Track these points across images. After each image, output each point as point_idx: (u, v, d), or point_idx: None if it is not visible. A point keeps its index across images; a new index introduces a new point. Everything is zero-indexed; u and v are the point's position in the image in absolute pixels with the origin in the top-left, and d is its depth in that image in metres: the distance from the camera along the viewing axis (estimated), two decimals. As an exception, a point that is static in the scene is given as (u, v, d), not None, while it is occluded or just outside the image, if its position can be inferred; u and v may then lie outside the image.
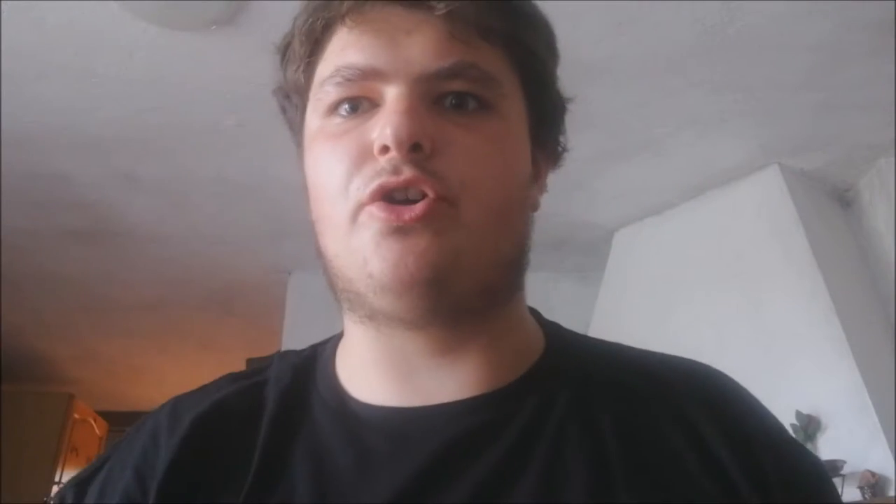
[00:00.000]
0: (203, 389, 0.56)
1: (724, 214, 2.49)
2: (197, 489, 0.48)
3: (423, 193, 0.46)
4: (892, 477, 1.90)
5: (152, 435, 0.52)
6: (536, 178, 0.55)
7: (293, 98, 0.55)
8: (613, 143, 2.28)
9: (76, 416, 3.99)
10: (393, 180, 0.46)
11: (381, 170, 0.46)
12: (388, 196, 0.46)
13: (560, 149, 0.58)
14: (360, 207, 0.47)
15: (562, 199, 2.46)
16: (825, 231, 2.39)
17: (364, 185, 0.47)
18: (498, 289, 0.51)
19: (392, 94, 0.48)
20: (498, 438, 0.48)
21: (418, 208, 0.45)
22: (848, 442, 1.95)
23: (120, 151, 2.36)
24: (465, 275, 0.47)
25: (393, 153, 0.46)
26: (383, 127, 0.46)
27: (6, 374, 3.97)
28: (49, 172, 2.46)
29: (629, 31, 1.84)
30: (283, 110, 0.57)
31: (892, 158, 2.33)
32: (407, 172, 0.46)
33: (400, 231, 0.45)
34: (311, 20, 0.51)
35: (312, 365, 0.56)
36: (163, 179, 2.52)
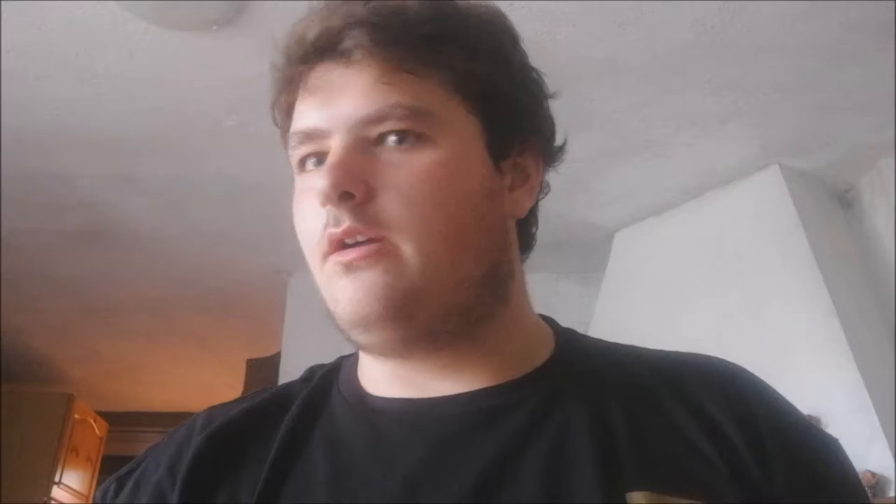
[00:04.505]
0: (237, 400, 0.62)
1: (725, 215, 2.48)
2: (222, 470, 0.54)
3: (368, 238, 0.50)
4: (892, 477, 1.90)
5: (187, 436, 0.58)
6: (513, 187, 0.57)
7: (283, 135, 0.59)
8: (614, 143, 2.27)
9: (76, 416, 3.98)
10: (335, 231, 0.51)
11: (328, 221, 0.51)
12: (342, 244, 0.51)
13: (545, 143, 0.59)
14: (325, 258, 0.52)
15: (562, 199, 2.45)
16: (825, 231, 2.39)
17: (323, 237, 0.52)
18: (469, 307, 0.53)
19: (331, 148, 0.52)
20: (507, 420, 0.52)
21: (361, 249, 0.50)
22: (848, 442, 1.94)
23: (120, 151, 2.36)
24: (425, 304, 0.51)
25: (330, 205, 0.50)
26: (320, 181, 0.51)
27: (6, 374, 3.97)
28: (49, 172, 2.46)
29: (629, 31, 1.83)
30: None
31: (892, 159, 2.33)
32: (345, 222, 0.50)
33: (349, 270, 0.50)
34: (279, 91, 0.58)
35: (337, 371, 0.61)
36: (163, 179, 2.52)
